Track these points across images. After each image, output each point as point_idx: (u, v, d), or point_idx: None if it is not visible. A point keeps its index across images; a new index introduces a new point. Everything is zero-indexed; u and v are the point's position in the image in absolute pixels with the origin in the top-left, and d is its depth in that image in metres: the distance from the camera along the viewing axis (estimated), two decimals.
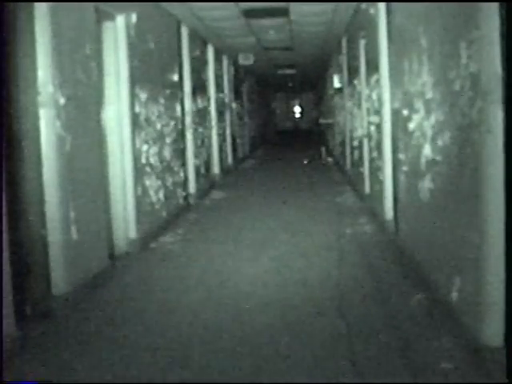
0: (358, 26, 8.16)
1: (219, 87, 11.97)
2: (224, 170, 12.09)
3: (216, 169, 11.29)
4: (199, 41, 10.00)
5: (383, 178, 6.26)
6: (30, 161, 3.88)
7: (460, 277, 3.42)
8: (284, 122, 34.11)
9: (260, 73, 18.43)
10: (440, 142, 3.77)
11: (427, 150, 4.12)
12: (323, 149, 16.21)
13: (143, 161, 6.21)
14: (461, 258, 3.40)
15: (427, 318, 3.71)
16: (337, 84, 11.83)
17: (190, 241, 6.31)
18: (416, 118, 4.46)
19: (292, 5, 7.77)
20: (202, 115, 9.90)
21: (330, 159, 14.87)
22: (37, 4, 3.91)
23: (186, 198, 8.19)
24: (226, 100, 13.06)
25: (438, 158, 3.84)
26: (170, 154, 7.38)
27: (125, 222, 5.73)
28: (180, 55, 8.29)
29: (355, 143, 9.40)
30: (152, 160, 6.54)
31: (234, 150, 14.11)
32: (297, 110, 34.73)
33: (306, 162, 14.78)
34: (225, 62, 13.03)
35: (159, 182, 6.81)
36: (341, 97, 11.92)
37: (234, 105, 14.39)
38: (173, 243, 6.20)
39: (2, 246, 3.28)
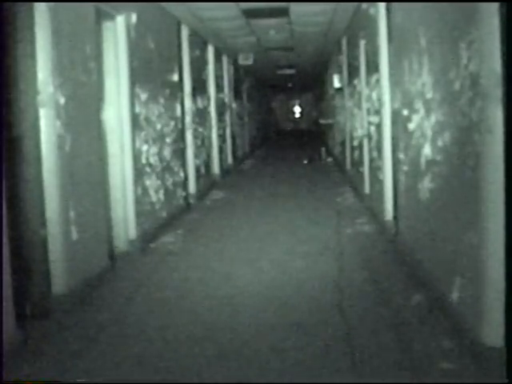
0: (358, 25, 8.16)
1: (219, 87, 11.96)
2: (224, 170, 12.09)
3: (216, 169, 11.29)
4: (199, 41, 10.00)
5: (383, 177, 6.26)
6: (30, 161, 3.88)
7: (460, 277, 3.42)
8: (284, 122, 34.11)
9: (260, 73, 18.43)
10: (440, 142, 3.77)
11: (427, 150, 4.12)
12: (323, 149, 16.21)
13: (143, 161, 6.21)
14: (461, 258, 3.40)
15: (427, 318, 3.71)
16: (337, 84, 11.83)
17: (189, 241, 6.31)
18: (416, 118, 4.46)
19: (292, 5, 7.77)
20: (201, 115, 9.90)
21: (329, 159, 14.87)
22: (36, 4, 3.91)
23: (185, 198, 8.19)
24: (226, 100, 13.06)
25: (438, 158, 3.84)
26: (170, 154, 7.38)
27: (125, 222, 5.73)
28: (180, 55, 8.29)
29: (355, 143, 9.40)
30: (152, 160, 6.54)
31: (234, 150, 14.10)
32: (297, 110, 34.74)
33: (305, 162, 14.79)
34: (225, 62, 13.03)
35: (159, 182, 6.81)
36: (341, 97, 11.92)
37: (233, 105, 14.39)
38: (173, 243, 6.20)
39: (2, 246, 3.28)
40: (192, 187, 8.80)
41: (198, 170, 9.27)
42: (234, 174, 12.95)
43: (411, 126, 4.64)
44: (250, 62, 13.05)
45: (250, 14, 8.43)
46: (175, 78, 7.82)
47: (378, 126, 6.53)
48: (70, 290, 4.19)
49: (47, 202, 4.02)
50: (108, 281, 4.79)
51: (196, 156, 9.19)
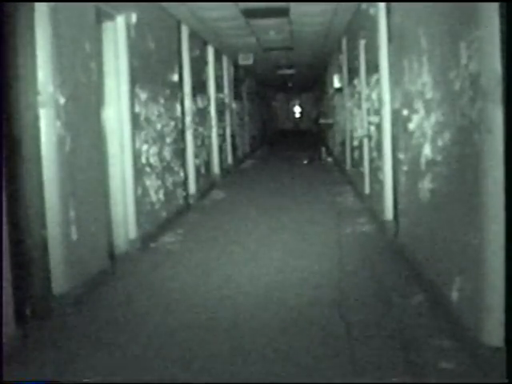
0: (358, 25, 8.16)
1: (219, 87, 11.96)
2: (224, 169, 12.09)
3: (216, 169, 11.29)
4: (199, 41, 10.00)
5: (383, 177, 6.26)
6: (30, 161, 3.88)
7: (460, 277, 3.42)
8: (284, 122, 34.13)
9: (260, 73, 18.43)
10: (440, 142, 3.77)
11: (427, 150, 4.12)
12: (323, 149, 16.21)
13: (143, 161, 6.21)
14: (461, 258, 3.40)
15: (427, 318, 3.72)
16: (337, 84, 11.83)
17: (189, 241, 6.31)
18: (416, 118, 4.46)
19: (292, 5, 7.77)
20: (202, 115, 9.90)
21: (329, 159, 14.87)
22: (37, 4, 3.91)
23: (185, 198, 8.19)
24: (226, 100, 13.06)
25: (438, 158, 3.84)
26: (170, 154, 7.38)
27: (125, 222, 5.73)
28: (180, 55, 8.29)
29: (355, 143, 9.40)
30: (152, 160, 6.54)
31: (234, 149, 14.10)
32: (297, 110, 34.76)
33: (305, 162, 14.79)
34: (225, 62, 13.03)
35: (159, 182, 6.81)
36: (341, 97, 11.92)
37: (233, 105, 14.38)
38: (173, 243, 6.20)
39: (2, 246, 3.28)
40: (192, 187, 8.80)
41: (198, 169, 9.27)
42: (234, 173, 12.95)
43: (411, 126, 4.64)
44: (250, 62, 13.04)
45: (249, 14, 8.43)
46: (175, 78, 7.82)
47: (378, 126, 6.53)
48: (70, 290, 4.19)
49: (47, 202, 4.02)
50: (108, 281, 4.79)
51: (196, 156, 9.19)
